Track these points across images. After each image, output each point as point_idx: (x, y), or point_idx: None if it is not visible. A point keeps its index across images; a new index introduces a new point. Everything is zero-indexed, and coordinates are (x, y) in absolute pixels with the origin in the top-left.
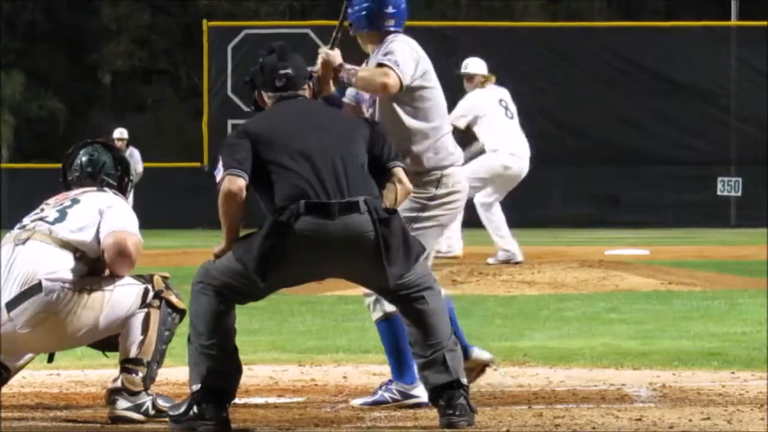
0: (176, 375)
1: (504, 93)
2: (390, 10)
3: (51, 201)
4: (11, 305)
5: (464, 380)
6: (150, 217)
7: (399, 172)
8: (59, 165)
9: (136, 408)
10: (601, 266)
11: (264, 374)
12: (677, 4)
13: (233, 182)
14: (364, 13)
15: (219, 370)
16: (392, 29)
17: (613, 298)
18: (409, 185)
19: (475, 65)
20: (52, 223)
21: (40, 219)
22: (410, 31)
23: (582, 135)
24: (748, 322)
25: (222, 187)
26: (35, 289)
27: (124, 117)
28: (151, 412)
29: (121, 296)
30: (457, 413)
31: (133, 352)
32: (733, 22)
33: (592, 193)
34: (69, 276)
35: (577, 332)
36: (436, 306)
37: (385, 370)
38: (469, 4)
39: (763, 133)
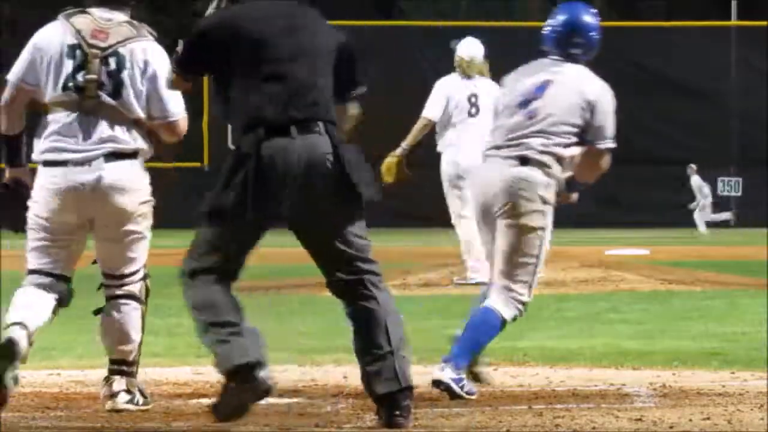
0: (176, 375)
1: (481, 88)
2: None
3: (91, 41)
4: (109, 158)
5: (412, 383)
6: None
7: (353, 104)
8: None
9: (132, 400)
10: (601, 266)
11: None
12: (677, 4)
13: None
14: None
15: (238, 351)
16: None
17: (613, 298)
18: (356, 118)
19: (461, 46)
20: (113, 97)
21: (98, 86)
22: (410, 31)
23: None
24: (748, 322)
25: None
26: (132, 155)
27: None
28: (141, 400)
29: (144, 250)
30: (403, 414)
31: (132, 356)
32: (733, 22)
33: (592, 193)
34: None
35: (577, 332)
36: (387, 308)
37: None
38: (469, 4)
39: (763, 133)
